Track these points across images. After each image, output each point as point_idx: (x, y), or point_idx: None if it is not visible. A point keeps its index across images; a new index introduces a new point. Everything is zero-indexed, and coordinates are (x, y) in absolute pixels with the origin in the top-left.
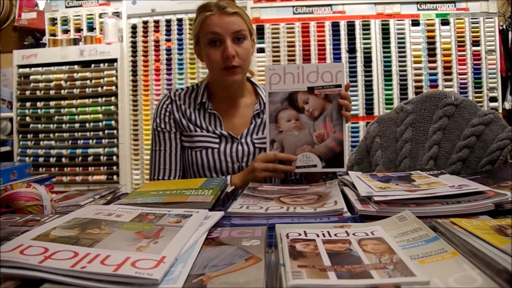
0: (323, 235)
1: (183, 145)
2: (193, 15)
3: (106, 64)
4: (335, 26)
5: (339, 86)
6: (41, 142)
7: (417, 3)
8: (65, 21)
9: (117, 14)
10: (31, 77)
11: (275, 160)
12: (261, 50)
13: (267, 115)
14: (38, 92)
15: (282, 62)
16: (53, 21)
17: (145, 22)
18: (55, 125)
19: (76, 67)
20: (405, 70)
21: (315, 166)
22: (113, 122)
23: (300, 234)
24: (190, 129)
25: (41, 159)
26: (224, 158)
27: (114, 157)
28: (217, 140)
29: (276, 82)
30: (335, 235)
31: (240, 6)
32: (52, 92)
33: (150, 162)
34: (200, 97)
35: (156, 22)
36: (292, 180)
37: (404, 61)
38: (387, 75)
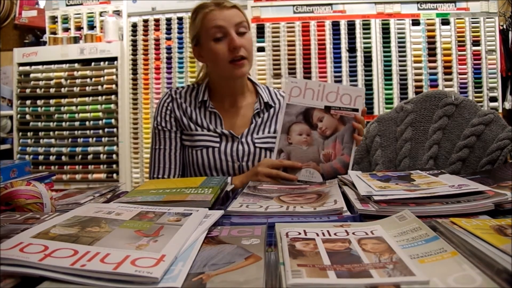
0: (323, 234)
1: (183, 144)
2: (191, 26)
3: (107, 63)
4: (336, 26)
5: (356, 110)
6: (41, 140)
7: (418, 2)
8: (65, 20)
9: (117, 13)
10: (31, 75)
11: (279, 167)
12: (261, 49)
13: (279, 125)
14: (38, 90)
15: (282, 62)
16: (53, 19)
17: (146, 21)
18: (55, 123)
19: (76, 65)
20: (405, 70)
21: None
22: (113, 121)
23: (299, 233)
24: (191, 128)
25: (41, 157)
26: (225, 158)
27: (114, 156)
28: (218, 139)
29: (296, 95)
30: (335, 234)
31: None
32: (52, 90)
33: (150, 161)
34: (201, 95)
35: (157, 20)
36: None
37: (404, 61)
38: (387, 74)
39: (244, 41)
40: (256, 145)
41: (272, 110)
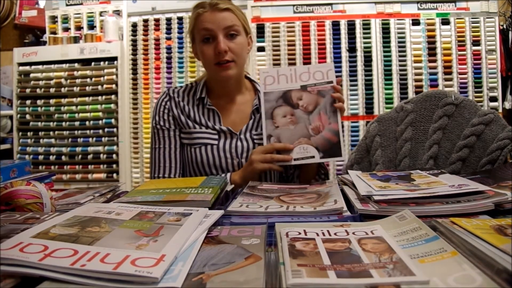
0: (323, 234)
1: (182, 142)
2: (188, 24)
3: (107, 62)
4: (336, 25)
5: (331, 82)
6: (41, 140)
7: (418, 2)
8: (65, 19)
9: (117, 13)
10: (31, 75)
11: (272, 151)
12: (261, 49)
13: (263, 113)
14: (38, 90)
15: (282, 61)
16: (53, 19)
17: (146, 21)
18: (55, 123)
19: (76, 65)
20: (405, 70)
21: (313, 157)
22: (113, 120)
23: (299, 233)
24: (189, 125)
25: (41, 157)
26: (224, 154)
27: (114, 155)
28: (216, 136)
29: (270, 83)
30: (335, 234)
31: (235, 4)
32: (52, 90)
33: (150, 160)
34: (199, 93)
35: (157, 20)
36: (289, 177)
37: (404, 61)
38: (387, 74)
39: (233, 45)
40: (255, 141)
41: None
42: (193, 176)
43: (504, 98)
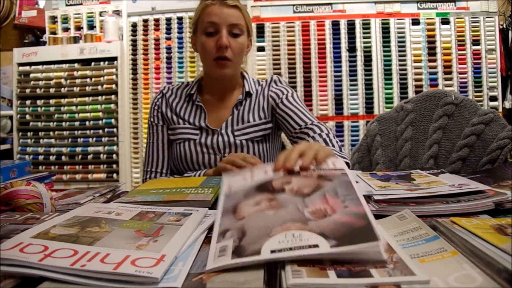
0: None
1: (170, 138)
2: (193, 14)
3: (106, 63)
4: (335, 25)
5: (342, 170)
6: (41, 140)
7: (417, 2)
8: (65, 19)
9: (117, 13)
10: (31, 75)
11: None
12: (261, 49)
13: (219, 210)
14: (38, 90)
15: (282, 61)
16: (53, 19)
17: (145, 21)
18: (55, 123)
19: (76, 65)
20: (405, 69)
21: (316, 246)
22: (113, 120)
23: None
24: (174, 121)
25: (41, 157)
26: (206, 150)
27: (114, 155)
28: (197, 132)
29: (237, 184)
30: None
31: (242, 4)
32: (52, 90)
33: (144, 155)
34: (190, 89)
35: (156, 20)
36: None
37: (404, 60)
38: (387, 74)
39: (234, 43)
40: (236, 137)
41: (249, 99)
42: (181, 172)
43: (504, 98)
